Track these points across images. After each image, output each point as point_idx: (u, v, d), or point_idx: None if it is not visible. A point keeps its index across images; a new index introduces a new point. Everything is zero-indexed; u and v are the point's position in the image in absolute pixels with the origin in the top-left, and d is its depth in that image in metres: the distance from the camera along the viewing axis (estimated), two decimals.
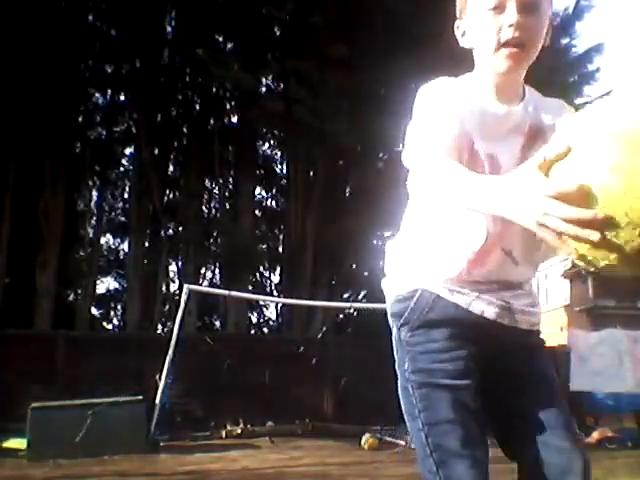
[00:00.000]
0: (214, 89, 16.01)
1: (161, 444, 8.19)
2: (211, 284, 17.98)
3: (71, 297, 17.44)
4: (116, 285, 20.21)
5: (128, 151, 17.81)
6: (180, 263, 17.38)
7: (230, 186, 18.17)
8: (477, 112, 1.38)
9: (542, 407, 1.39)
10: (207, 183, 17.99)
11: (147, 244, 16.55)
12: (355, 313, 16.42)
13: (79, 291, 16.40)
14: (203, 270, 18.26)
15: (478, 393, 1.40)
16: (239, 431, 9.51)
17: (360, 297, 17.82)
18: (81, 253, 16.90)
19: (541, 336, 1.54)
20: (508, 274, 1.46)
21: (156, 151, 16.02)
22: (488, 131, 1.39)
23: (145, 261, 16.04)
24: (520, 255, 1.46)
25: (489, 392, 1.42)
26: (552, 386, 1.45)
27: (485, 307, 1.42)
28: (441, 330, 1.41)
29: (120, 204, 19.07)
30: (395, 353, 1.47)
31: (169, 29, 16.66)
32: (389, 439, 9.05)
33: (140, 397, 8.12)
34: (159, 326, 15.91)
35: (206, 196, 18.34)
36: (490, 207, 1.12)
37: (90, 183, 16.76)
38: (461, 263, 1.41)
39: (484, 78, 1.42)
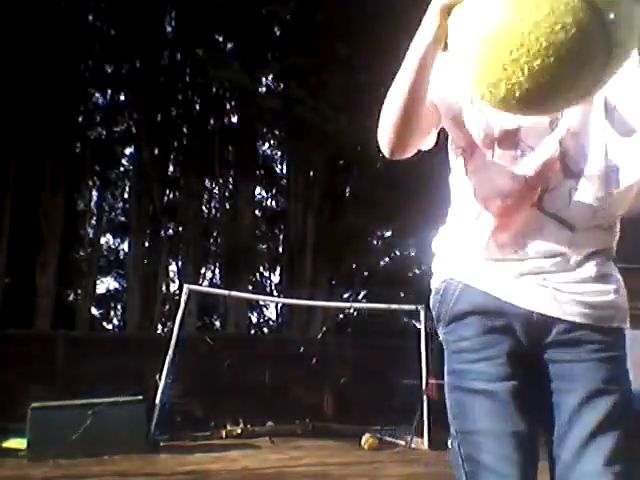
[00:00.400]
0: (214, 89, 16.00)
1: (161, 444, 8.18)
2: (211, 284, 17.97)
3: (71, 297, 17.42)
4: (116, 285, 20.20)
5: (128, 151, 17.81)
6: (180, 263, 17.37)
7: (230, 186, 18.15)
8: None
9: (581, 427, 1.18)
10: (207, 183, 17.97)
11: (147, 244, 16.52)
12: (355, 313, 16.41)
13: (79, 291, 16.39)
14: (203, 270, 18.25)
15: (523, 396, 1.20)
16: (239, 431, 9.50)
17: (360, 297, 17.81)
18: (81, 253, 16.89)
19: (616, 334, 1.23)
20: (556, 241, 1.20)
21: (156, 151, 16.01)
22: None
23: (145, 261, 16.02)
24: (575, 216, 1.20)
25: (536, 394, 1.24)
26: (603, 404, 1.19)
27: (520, 294, 1.21)
28: (472, 324, 1.24)
29: (120, 204, 19.05)
30: None
31: (169, 29, 16.67)
32: (389, 439, 9.04)
33: (140, 397, 8.12)
34: (159, 326, 15.91)
35: (206, 196, 18.33)
36: (420, 46, 1.08)
37: (90, 183, 16.73)
38: (485, 233, 1.24)
39: None
